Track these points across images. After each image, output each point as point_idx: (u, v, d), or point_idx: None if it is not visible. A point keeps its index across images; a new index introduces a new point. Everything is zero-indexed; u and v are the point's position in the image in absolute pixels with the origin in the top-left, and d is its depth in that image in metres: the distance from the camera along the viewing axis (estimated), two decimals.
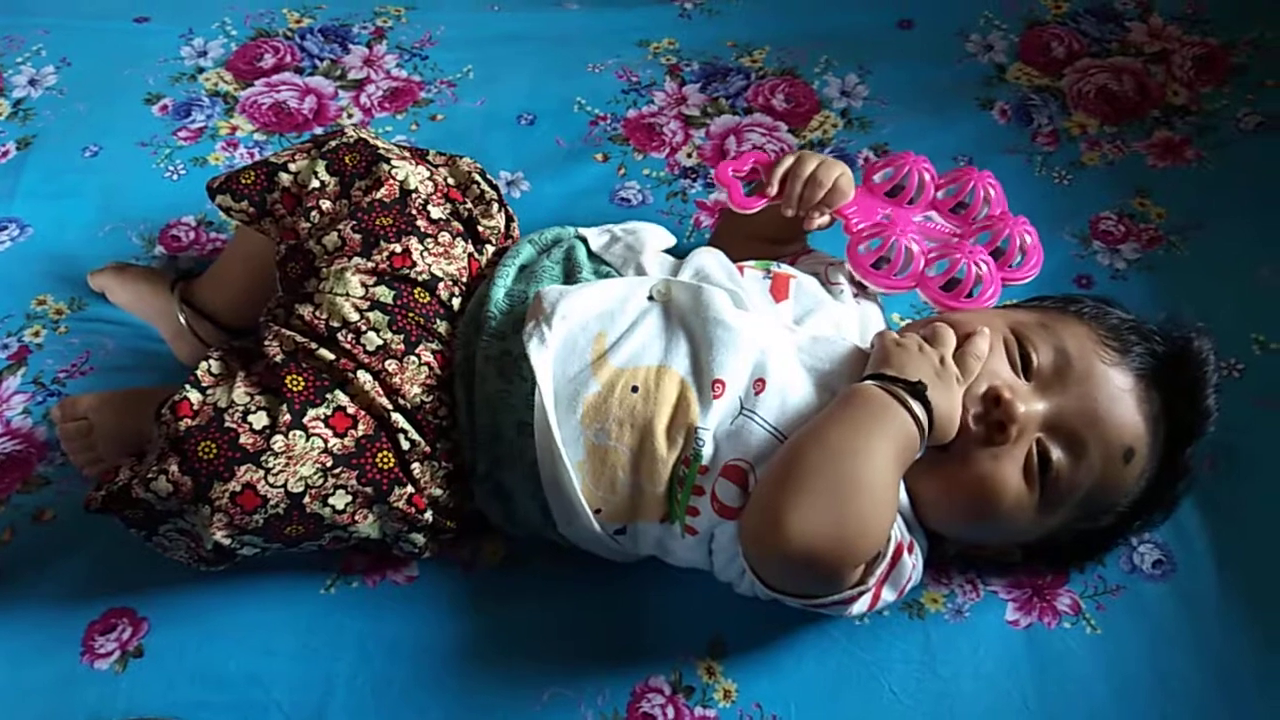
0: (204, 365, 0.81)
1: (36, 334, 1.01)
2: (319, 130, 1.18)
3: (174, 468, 0.75)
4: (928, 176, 0.96)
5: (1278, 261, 1.07)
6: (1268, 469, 0.94)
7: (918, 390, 0.75)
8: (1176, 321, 0.88)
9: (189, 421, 0.76)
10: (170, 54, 1.25)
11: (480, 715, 0.82)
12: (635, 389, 0.79)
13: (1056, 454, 0.79)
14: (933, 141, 1.18)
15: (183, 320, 0.96)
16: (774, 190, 0.93)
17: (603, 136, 1.20)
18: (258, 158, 1.13)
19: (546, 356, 0.80)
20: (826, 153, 1.19)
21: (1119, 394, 0.80)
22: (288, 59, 1.25)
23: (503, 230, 0.94)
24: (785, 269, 0.91)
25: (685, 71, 1.27)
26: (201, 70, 1.24)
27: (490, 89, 1.24)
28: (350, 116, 1.20)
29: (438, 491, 0.82)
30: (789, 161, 0.94)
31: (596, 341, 0.81)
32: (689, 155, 1.19)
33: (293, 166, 0.88)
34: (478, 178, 0.94)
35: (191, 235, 1.08)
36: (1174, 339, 0.85)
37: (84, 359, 0.99)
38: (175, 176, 1.13)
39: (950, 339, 0.81)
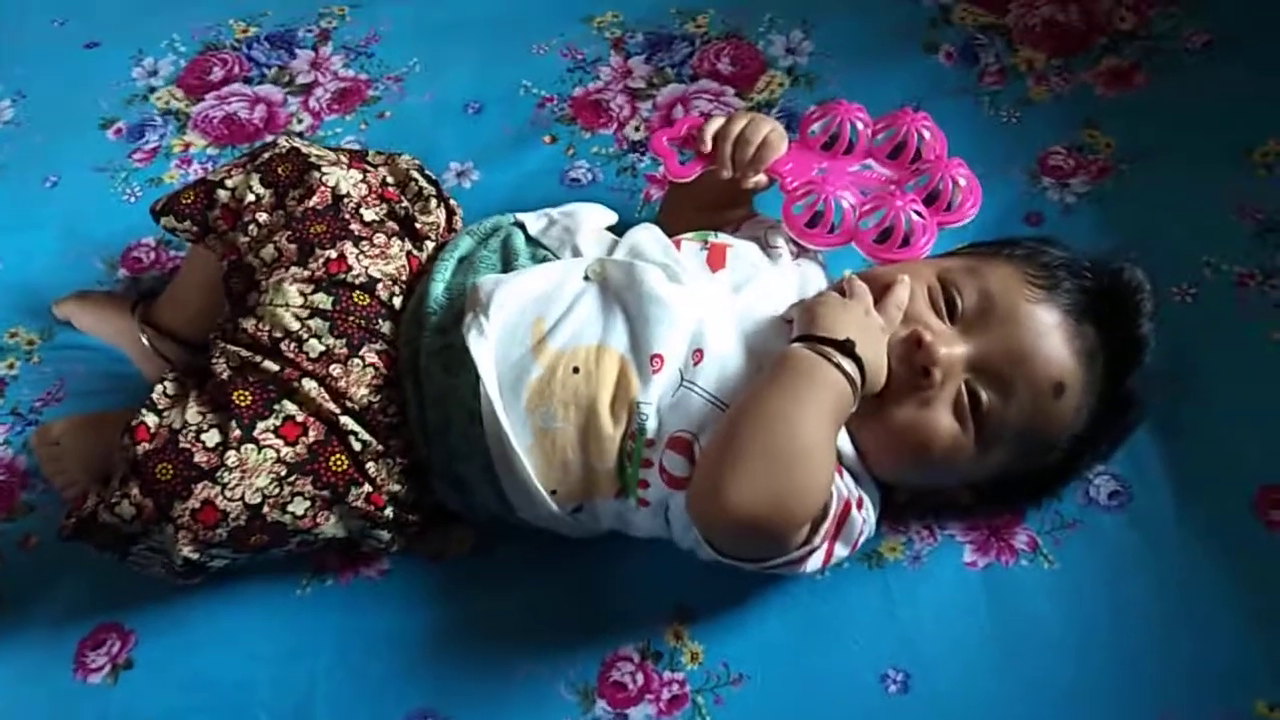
0: (159, 388, 0.83)
1: (11, 366, 1.04)
2: (272, 137, 1.20)
3: (135, 491, 0.78)
4: (861, 125, 0.97)
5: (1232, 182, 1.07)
6: (1222, 392, 0.94)
7: (846, 347, 0.77)
8: (1112, 254, 0.88)
9: (146, 445, 0.79)
10: (122, 76, 1.27)
11: (458, 699, 0.84)
12: (576, 370, 0.81)
13: (985, 394, 0.81)
14: (879, 91, 1.17)
15: (145, 341, 0.99)
16: (706, 151, 0.94)
17: (550, 118, 1.21)
18: (214, 169, 1.15)
19: (487, 347, 0.81)
20: (773, 113, 1.20)
21: (1045, 330, 0.81)
22: (236, 70, 1.27)
23: (443, 225, 0.96)
24: (723, 238, 0.92)
25: (630, 44, 1.27)
26: (153, 90, 1.25)
27: (437, 81, 1.25)
28: (300, 122, 1.22)
29: (396, 487, 0.84)
30: (717, 122, 0.95)
31: (535, 326, 0.83)
32: (636, 129, 1.19)
33: (229, 182, 0.89)
34: (416, 175, 0.95)
35: (152, 256, 1.11)
36: (1105, 271, 0.86)
37: (58, 386, 1.02)
38: (133, 199, 1.15)
39: (865, 292, 0.82)
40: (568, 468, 0.82)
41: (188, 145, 1.20)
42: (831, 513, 0.78)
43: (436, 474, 0.86)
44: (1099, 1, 1.25)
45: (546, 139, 1.19)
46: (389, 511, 0.84)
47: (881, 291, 0.83)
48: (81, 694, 0.86)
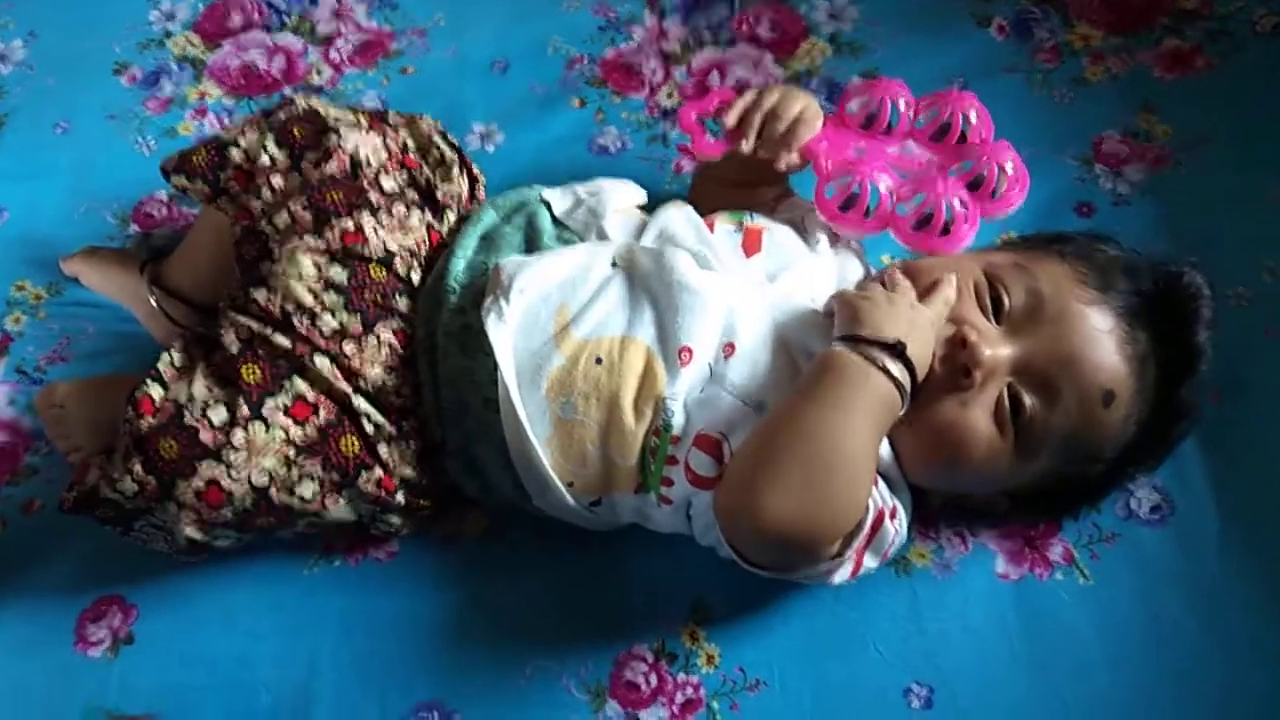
0: (165, 358, 0.80)
1: (17, 321, 1.01)
2: (288, 92, 1.15)
3: (138, 467, 0.75)
4: (903, 104, 0.91)
5: None
6: (1273, 404, 0.90)
7: (897, 350, 0.72)
8: (1171, 257, 0.83)
9: (150, 420, 0.76)
10: (138, 20, 1.22)
11: (463, 689, 0.82)
12: (599, 361, 0.77)
13: (1029, 399, 0.76)
14: (926, 65, 1.12)
15: (154, 303, 0.96)
16: (730, 129, 0.89)
17: (579, 79, 1.15)
18: (227, 124, 1.11)
19: (506, 332, 0.78)
20: (813, 83, 1.14)
21: (1096, 335, 0.77)
22: (256, 16, 1.22)
23: (466, 194, 0.91)
24: (759, 221, 0.87)
25: (665, 3, 1.21)
26: (169, 35, 1.20)
27: (462, 35, 1.19)
28: (319, 75, 1.17)
29: (408, 471, 0.81)
30: (749, 97, 0.90)
31: (559, 313, 0.79)
32: (669, 95, 1.14)
33: (243, 141, 0.85)
34: (438, 139, 0.91)
35: (164, 211, 1.07)
36: (1163, 274, 0.81)
37: (64, 344, 0.99)
38: (146, 150, 1.11)
39: (909, 286, 0.78)
40: (586, 461, 0.78)
41: (203, 95, 1.15)
42: (865, 525, 0.74)
43: (451, 456, 0.83)
44: None
45: (575, 102, 1.14)
46: (400, 496, 0.80)
47: (926, 287, 0.79)
48: (80, 667, 0.84)
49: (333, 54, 1.18)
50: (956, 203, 0.85)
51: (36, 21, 1.22)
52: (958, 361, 0.76)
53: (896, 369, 0.72)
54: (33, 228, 1.06)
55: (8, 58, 1.19)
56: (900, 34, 1.17)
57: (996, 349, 0.77)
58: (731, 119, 0.88)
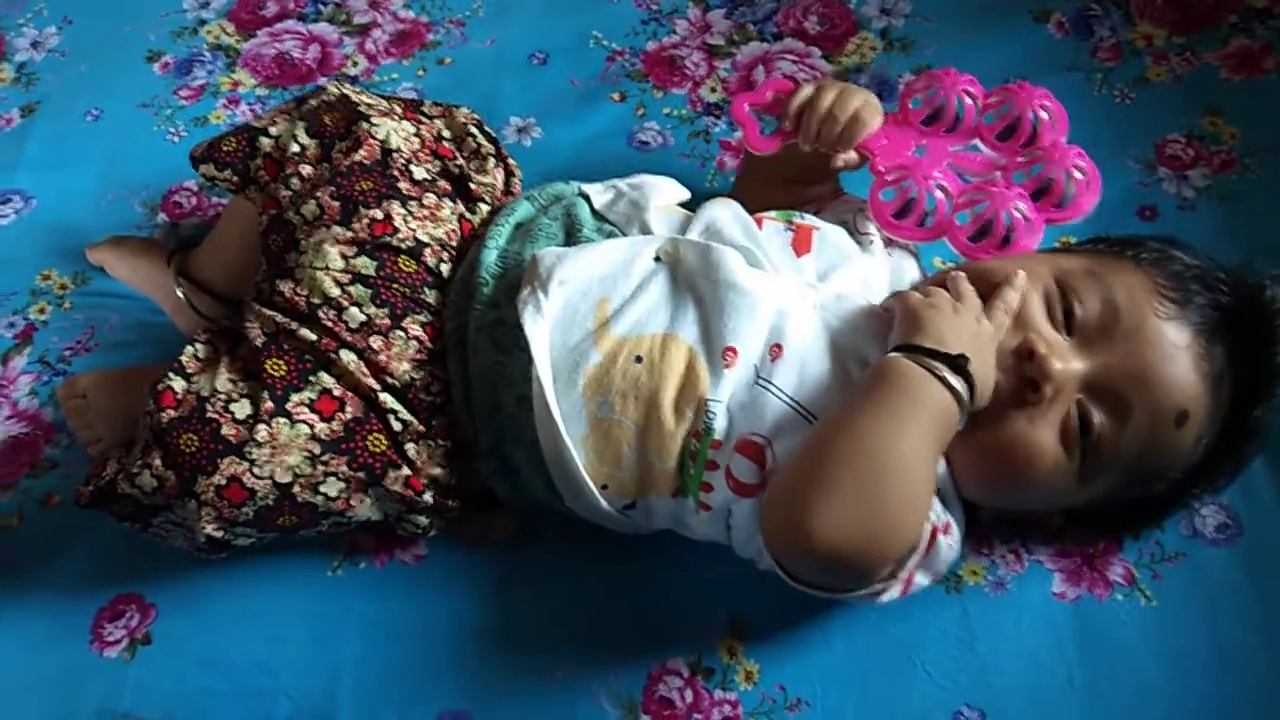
0: (189, 350, 0.77)
1: (42, 310, 0.99)
2: (323, 81, 1.13)
3: (158, 462, 0.72)
4: (969, 100, 0.87)
5: None
6: None
7: (959, 364, 0.68)
8: (1249, 267, 0.78)
9: (171, 413, 0.73)
10: (172, 6, 1.20)
11: (490, 700, 0.78)
12: (639, 359, 0.74)
13: (1098, 417, 0.72)
14: (981, 61, 1.07)
15: (180, 294, 0.93)
16: (790, 126, 0.85)
17: (620, 73, 1.12)
18: (260, 114, 1.09)
19: (543, 327, 0.74)
20: (863, 79, 1.10)
21: (1173, 351, 0.72)
22: (291, 5, 1.20)
23: (501, 187, 0.89)
24: (809, 219, 0.83)
25: None
26: (204, 23, 1.19)
27: (501, 26, 1.17)
28: (355, 65, 1.14)
29: (437, 471, 0.78)
30: (806, 92, 0.86)
31: (599, 308, 0.76)
32: (713, 90, 1.11)
33: (273, 130, 0.83)
34: (474, 130, 0.88)
35: (193, 201, 1.05)
36: (1242, 288, 0.76)
37: (89, 335, 0.97)
38: (177, 139, 1.09)
39: (974, 294, 0.74)
40: (622, 462, 0.75)
41: (236, 84, 1.13)
42: (921, 547, 0.70)
43: (482, 456, 0.80)
44: None
45: (615, 96, 1.11)
46: (428, 496, 0.77)
47: (991, 290, 0.74)
48: (95, 667, 0.81)
49: (369, 44, 1.16)
50: (1018, 212, 0.80)
51: (71, 7, 1.21)
52: (1025, 375, 0.72)
53: (958, 383, 0.68)
54: (60, 215, 1.05)
55: (41, 44, 1.18)
56: (954, 30, 1.13)
57: (1068, 363, 0.72)
58: (791, 117, 0.85)
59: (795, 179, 0.90)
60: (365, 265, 0.76)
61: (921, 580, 0.73)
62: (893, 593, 0.71)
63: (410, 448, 0.76)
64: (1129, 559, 0.82)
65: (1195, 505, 0.82)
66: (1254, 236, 0.94)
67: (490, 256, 0.79)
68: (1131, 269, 0.76)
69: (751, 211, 0.83)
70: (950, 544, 0.73)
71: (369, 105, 0.83)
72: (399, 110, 0.85)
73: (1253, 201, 0.98)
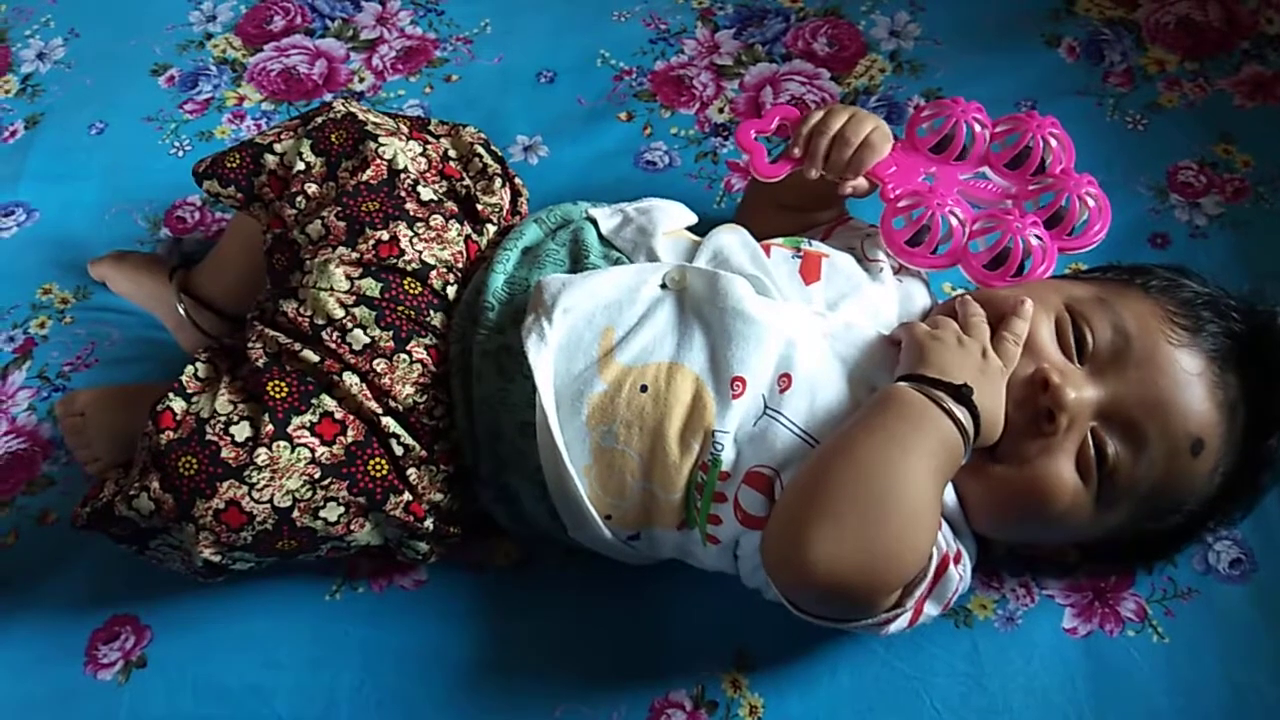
0: (189, 370, 0.76)
1: (42, 325, 0.98)
2: (329, 98, 1.12)
3: (155, 484, 0.71)
4: (979, 127, 0.86)
5: None
6: None
7: (963, 395, 0.67)
8: (1259, 295, 0.77)
9: (170, 434, 0.72)
10: (179, 20, 1.20)
11: None
12: (644, 388, 0.73)
13: (1113, 446, 0.71)
14: (992, 85, 1.07)
15: (182, 311, 0.92)
16: (799, 152, 0.84)
17: (627, 93, 1.11)
18: (265, 129, 1.08)
19: (547, 355, 0.73)
20: (872, 102, 1.10)
21: (1186, 379, 0.71)
22: (298, 20, 1.19)
23: (507, 207, 0.88)
24: (817, 246, 0.82)
25: (719, 15, 1.17)
26: (210, 36, 1.18)
27: (508, 44, 1.16)
28: (361, 81, 1.13)
29: (438, 497, 0.76)
30: (815, 118, 0.85)
31: (604, 336, 0.75)
32: (720, 110, 1.10)
33: (278, 147, 0.82)
34: (480, 150, 0.87)
35: (197, 216, 1.04)
36: (1256, 315, 0.75)
37: (89, 350, 0.96)
38: (181, 153, 1.08)
39: (983, 324, 0.73)
40: (626, 493, 0.73)
41: (241, 99, 1.12)
42: (928, 574, 0.69)
43: (483, 483, 0.78)
44: (1243, 1, 1.12)
45: (622, 116, 1.10)
46: (429, 522, 0.76)
47: (1000, 319, 0.73)
48: (89, 691, 0.80)
49: (375, 60, 1.15)
50: (1035, 240, 0.79)
51: (78, 19, 1.20)
52: (1039, 405, 0.71)
53: (961, 413, 0.67)
54: (63, 229, 1.04)
55: (47, 55, 1.17)
56: (964, 53, 1.13)
57: (1081, 391, 0.71)
58: (800, 143, 0.84)
59: (802, 205, 0.89)
60: (370, 287, 0.75)
61: (931, 610, 0.71)
62: (901, 622, 0.70)
63: (412, 473, 0.75)
64: (1141, 594, 0.80)
65: (1209, 539, 0.81)
66: (1268, 265, 0.94)
67: (497, 281, 0.78)
68: (1141, 296, 0.76)
69: (757, 237, 0.82)
70: (961, 574, 0.72)
71: (376, 124, 0.82)
72: (406, 129, 0.84)
73: (1266, 230, 0.97)
